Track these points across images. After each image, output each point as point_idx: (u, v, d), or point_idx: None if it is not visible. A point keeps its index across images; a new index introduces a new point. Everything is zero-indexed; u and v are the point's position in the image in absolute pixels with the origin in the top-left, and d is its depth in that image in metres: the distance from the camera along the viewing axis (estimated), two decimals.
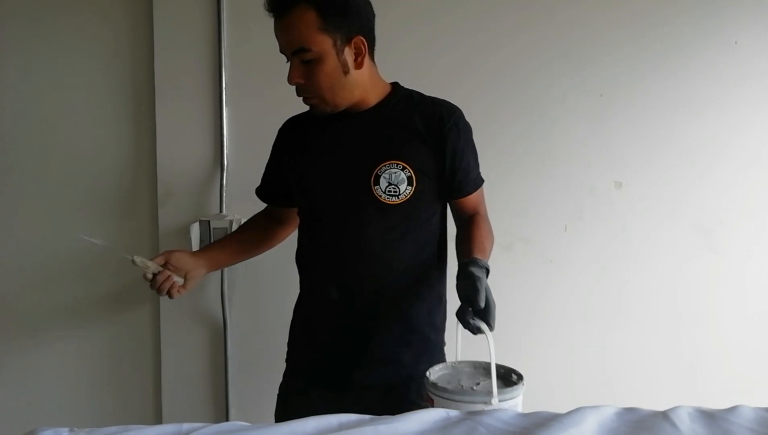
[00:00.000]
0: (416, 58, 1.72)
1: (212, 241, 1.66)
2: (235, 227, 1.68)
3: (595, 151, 1.82)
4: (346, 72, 1.19)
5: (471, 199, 1.31)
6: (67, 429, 0.78)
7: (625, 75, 1.80)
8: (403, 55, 1.66)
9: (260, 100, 1.73)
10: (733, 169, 1.83)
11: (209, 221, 1.69)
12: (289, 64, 1.20)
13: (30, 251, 1.81)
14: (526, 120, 1.79)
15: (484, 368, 1.06)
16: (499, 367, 0.97)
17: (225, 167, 1.75)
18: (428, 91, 1.33)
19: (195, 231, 1.70)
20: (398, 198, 1.23)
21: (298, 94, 1.23)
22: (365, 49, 1.20)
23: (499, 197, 1.76)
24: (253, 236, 1.47)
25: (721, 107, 1.82)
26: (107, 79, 1.78)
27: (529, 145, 1.80)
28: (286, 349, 1.40)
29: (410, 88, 1.32)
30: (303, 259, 1.36)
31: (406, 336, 1.28)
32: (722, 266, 1.85)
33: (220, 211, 1.76)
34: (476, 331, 1.02)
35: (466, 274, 1.08)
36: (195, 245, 1.69)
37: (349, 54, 1.19)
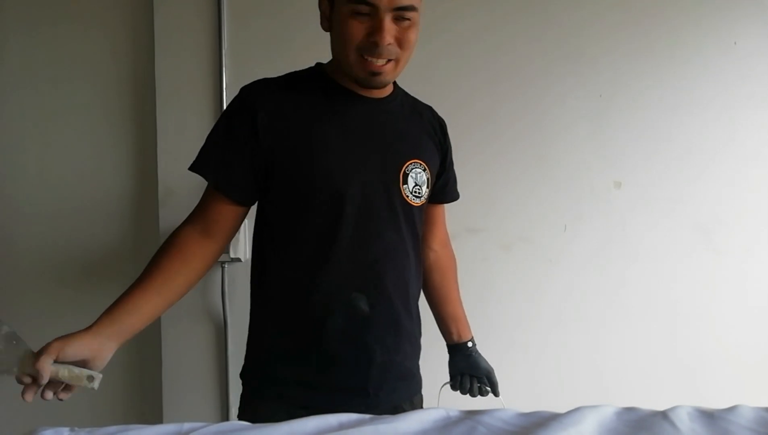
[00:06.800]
0: (415, 58, 1.70)
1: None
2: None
3: (594, 151, 1.82)
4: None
5: (443, 208, 1.32)
6: (67, 429, 0.78)
7: (625, 75, 1.81)
8: None
9: None
10: (733, 169, 1.84)
11: None
12: (375, 23, 1.01)
13: (30, 251, 1.81)
14: (526, 120, 1.80)
15: None
16: None
17: None
18: (429, 92, 1.31)
19: None
20: (419, 200, 1.14)
21: (378, 56, 1.03)
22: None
23: (499, 197, 1.77)
24: (183, 272, 1.04)
25: (720, 107, 1.83)
26: (108, 79, 1.79)
27: (528, 145, 1.80)
28: None
29: (408, 88, 1.28)
30: (307, 269, 1.07)
31: (415, 348, 1.20)
32: (721, 265, 1.86)
33: None
34: (485, 394, 1.23)
35: (481, 360, 1.27)
36: None
37: None
